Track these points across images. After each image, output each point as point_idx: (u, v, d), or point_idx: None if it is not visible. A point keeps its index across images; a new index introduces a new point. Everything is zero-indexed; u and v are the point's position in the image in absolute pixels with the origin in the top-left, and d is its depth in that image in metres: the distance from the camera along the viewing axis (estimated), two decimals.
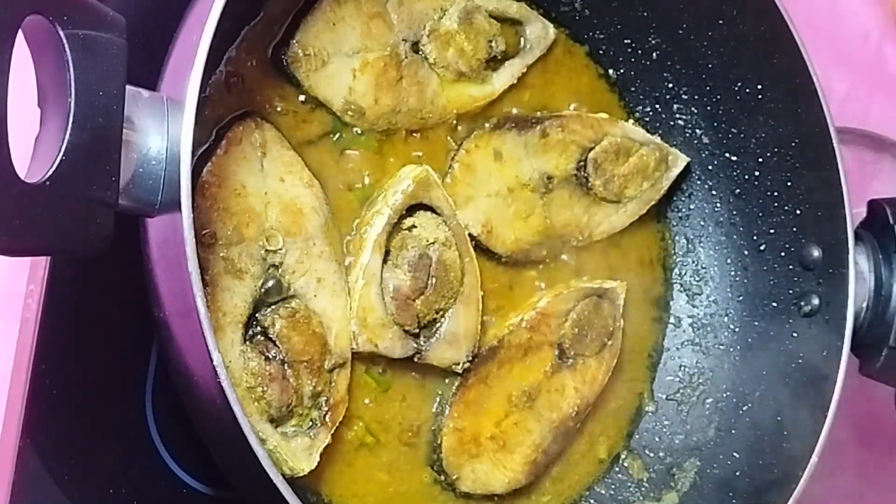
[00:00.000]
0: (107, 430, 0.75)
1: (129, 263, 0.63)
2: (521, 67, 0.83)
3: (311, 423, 0.68)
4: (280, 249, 0.68)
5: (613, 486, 0.87)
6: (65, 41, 0.51)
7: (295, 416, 0.68)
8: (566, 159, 0.82)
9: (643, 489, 0.86)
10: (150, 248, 0.61)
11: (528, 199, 0.81)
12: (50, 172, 0.50)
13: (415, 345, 0.74)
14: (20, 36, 0.50)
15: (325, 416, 0.69)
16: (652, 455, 0.88)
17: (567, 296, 0.81)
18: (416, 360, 0.74)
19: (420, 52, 0.77)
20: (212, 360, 0.54)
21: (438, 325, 0.75)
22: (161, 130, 0.56)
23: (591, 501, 0.86)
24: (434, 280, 0.73)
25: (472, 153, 0.79)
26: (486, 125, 0.81)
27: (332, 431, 0.70)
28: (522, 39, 0.84)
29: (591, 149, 0.83)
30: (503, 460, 0.79)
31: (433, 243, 0.74)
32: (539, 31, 0.84)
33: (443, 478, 0.77)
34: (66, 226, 0.52)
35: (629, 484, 0.87)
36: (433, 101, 0.77)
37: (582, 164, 0.83)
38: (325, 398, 0.69)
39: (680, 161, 0.87)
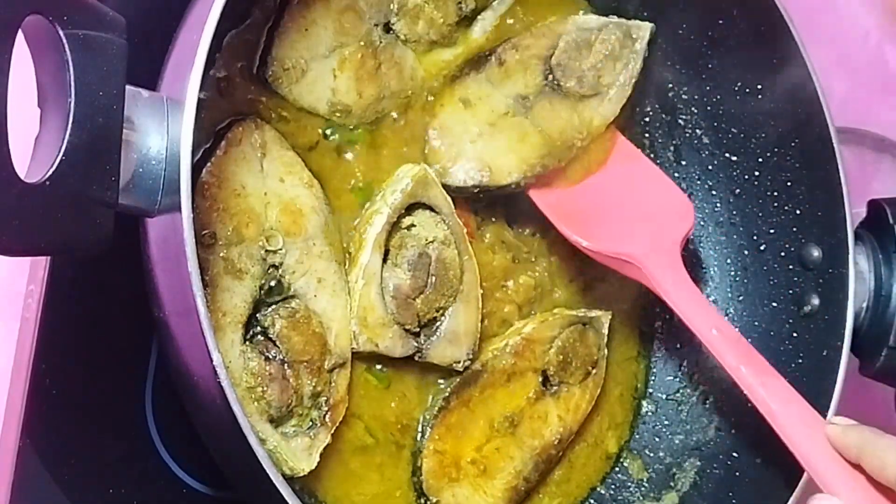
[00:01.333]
0: (107, 430, 0.75)
1: (129, 263, 0.63)
2: (494, 20, 0.82)
3: (310, 423, 0.68)
4: (280, 250, 0.68)
5: (613, 486, 0.87)
6: (65, 41, 0.51)
7: (295, 416, 0.68)
8: (532, 75, 0.81)
9: (643, 489, 0.86)
10: (150, 248, 0.61)
11: (515, 124, 0.79)
12: (50, 172, 0.50)
13: (415, 343, 0.74)
14: (20, 36, 0.50)
15: (325, 416, 0.69)
16: (652, 455, 0.88)
17: (552, 322, 0.81)
18: (416, 358, 0.74)
19: (391, 32, 0.76)
20: (212, 360, 0.54)
21: (439, 323, 0.75)
22: (161, 130, 0.56)
23: (591, 501, 0.86)
24: (434, 279, 0.73)
25: (441, 114, 0.78)
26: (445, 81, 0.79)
27: (332, 431, 0.70)
28: None
29: (552, 55, 0.81)
30: (483, 485, 0.78)
31: (432, 242, 0.74)
32: None
33: (423, 500, 0.76)
34: (66, 226, 0.52)
35: (629, 484, 0.87)
36: (412, 76, 0.77)
37: (548, 72, 0.81)
38: (325, 398, 0.69)
39: (643, 29, 0.84)
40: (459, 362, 0.76)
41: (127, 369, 0.78)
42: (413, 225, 0.74)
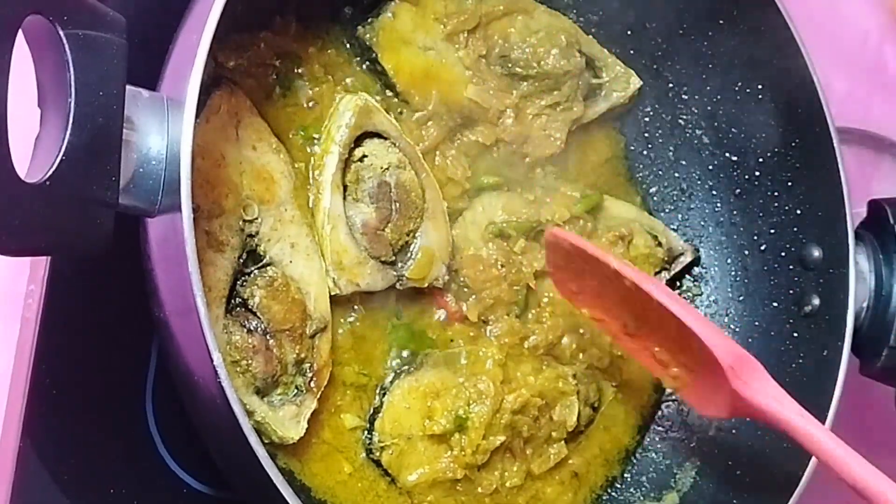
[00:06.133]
0: (107, 430, 0.75)
1: (129, 263, 0.63)
2: None
3: (296, 391, 0.68)
4: (256, 219, 0.68)
5: (614, 487, 0.87)
6: (65, 41, 0.51)
7: (280, 385, 0.68)
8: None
9: (643, 489, 0.86)
10: (150, 248, 0.61)
11: None
12: (50, 172, 0.50)
13: (394, 272, 0.73)
14: (20, 36, 0.50)
15: (309, 381, 0.69)
16: (652, 455, 0.88)
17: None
18: (398, 286, 0.74)
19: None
20: (212, 360, 0.54)
21: (412, 246, 0.74)
22: (161, 130, 0.56)
23: (592, 501, 0.86)
24: (397, 204, 0.73)
25: None
26: None
27: (318, 396, 0.69)
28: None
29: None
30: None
31: (388, 168, 0.73)
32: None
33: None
34: (66, 226, 0.52)
35: (629, 484, 0.87)
36: None
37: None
38: (309, 364, 0.69)
39: None
40: (439, 278, 0.75)
41: (127, 369, 0.78)
42: (365, 156, 0.72)
